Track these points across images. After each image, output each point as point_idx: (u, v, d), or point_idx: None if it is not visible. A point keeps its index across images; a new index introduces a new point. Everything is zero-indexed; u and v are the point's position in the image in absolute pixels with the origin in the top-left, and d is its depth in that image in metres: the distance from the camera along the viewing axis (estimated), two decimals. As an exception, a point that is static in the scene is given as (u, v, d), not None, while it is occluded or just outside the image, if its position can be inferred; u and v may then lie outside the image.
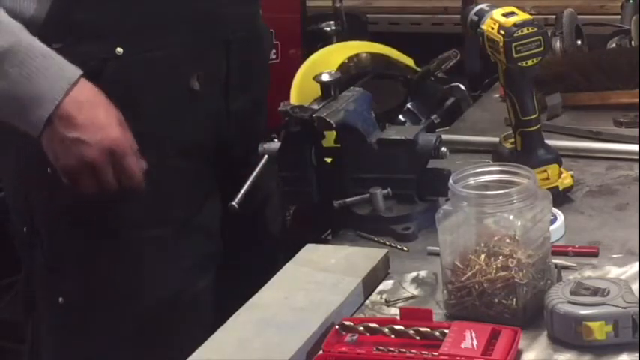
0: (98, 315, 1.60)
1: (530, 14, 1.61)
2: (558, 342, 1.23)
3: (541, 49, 1.55)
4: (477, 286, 1.28)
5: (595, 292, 1.23)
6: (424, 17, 3.54)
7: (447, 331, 1.22)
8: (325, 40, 3.12)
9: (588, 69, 2.04)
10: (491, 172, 1.35)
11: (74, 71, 1.45)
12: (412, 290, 1.39)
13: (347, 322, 1.26)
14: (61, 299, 1.59)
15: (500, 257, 1.28)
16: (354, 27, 3.25)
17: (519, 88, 1.60)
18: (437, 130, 2.14)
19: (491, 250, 1.29)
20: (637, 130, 1.86)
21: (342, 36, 3.14)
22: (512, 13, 1.58)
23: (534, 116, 1.61)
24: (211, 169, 1.66)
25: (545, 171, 1.60)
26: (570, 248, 1.46)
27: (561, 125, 1.96)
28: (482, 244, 1.29)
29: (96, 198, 1.48)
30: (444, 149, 1.60)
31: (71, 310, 1.60)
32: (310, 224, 1.98)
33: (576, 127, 1.94)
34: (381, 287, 1.41)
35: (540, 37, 1.55)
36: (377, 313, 1.35)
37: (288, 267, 1.45)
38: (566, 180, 1.63)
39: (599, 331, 1.20)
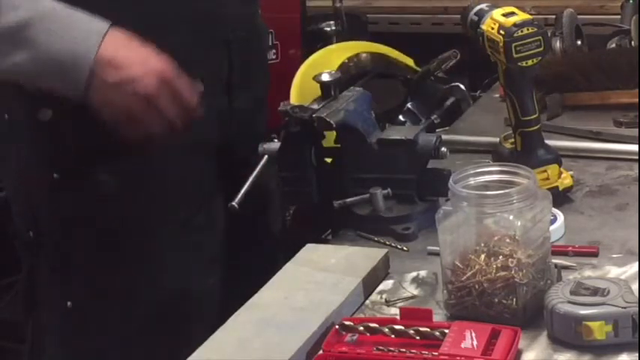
0: (101, 316, 1.60)
1: (530, 14, 1.61)
2: (558, 342, 1.23)
3: (541, 49, 1.55)
4: (477, 286, 1.28)
5: (595, 292, 1.23)
6: (424, 17, 3.54)
7: (447, 331, 1.22)
8: (325, 40, 3.12)
9: (588, 69, 2.04)
10: (491, 172, 1.35)
11: (102, 24, 1.44)
12: (412, 290, 1.39)
13: (347, 322, 1.26)
14: (69, 304, 1.59)
15: (500, 257, 1.28)
16: (354, 27, 3.24)
17: (519, 88, 1.60)
18: (437, 130, 2.14)
19: (491, 250, 1.29)
20: (637, 130, 1.86)
21: (342, 36, 3.13)
22: (512, 13, 1.58)
23: (534, 116, 1.61)
24: (213, 169, 1.66)
25: (545, 171, 1.60)
26: (570, 248, 1.46)
27: (561, 125, 1.96)
28: (482, 244, 1.29)
29: (159, 139, 1.47)
30: (444, 149, 1.59)
31: (76, 312, 1.60)
32: (310, 224, 1.98)
33: (576, 127, 1.94)
34: (381, 287, 1.41)
35: (540, 37, 1.55)
36: (377, 313, 1.35)
37: (288, 267, 1.45)
38: (566, 180, 1.63)
39: (599, 331, 1.20)
